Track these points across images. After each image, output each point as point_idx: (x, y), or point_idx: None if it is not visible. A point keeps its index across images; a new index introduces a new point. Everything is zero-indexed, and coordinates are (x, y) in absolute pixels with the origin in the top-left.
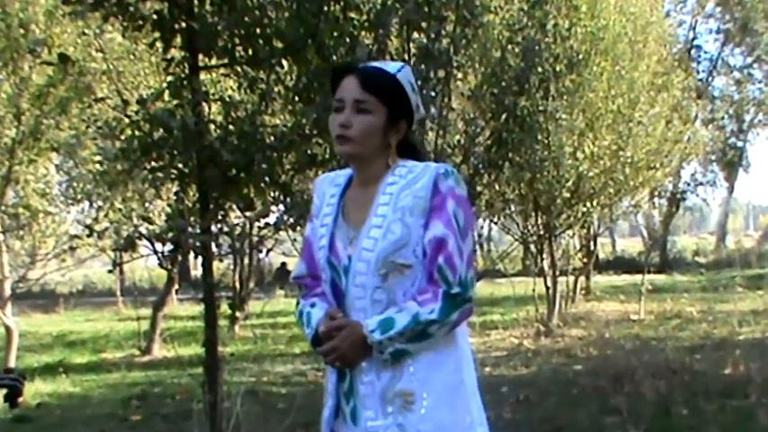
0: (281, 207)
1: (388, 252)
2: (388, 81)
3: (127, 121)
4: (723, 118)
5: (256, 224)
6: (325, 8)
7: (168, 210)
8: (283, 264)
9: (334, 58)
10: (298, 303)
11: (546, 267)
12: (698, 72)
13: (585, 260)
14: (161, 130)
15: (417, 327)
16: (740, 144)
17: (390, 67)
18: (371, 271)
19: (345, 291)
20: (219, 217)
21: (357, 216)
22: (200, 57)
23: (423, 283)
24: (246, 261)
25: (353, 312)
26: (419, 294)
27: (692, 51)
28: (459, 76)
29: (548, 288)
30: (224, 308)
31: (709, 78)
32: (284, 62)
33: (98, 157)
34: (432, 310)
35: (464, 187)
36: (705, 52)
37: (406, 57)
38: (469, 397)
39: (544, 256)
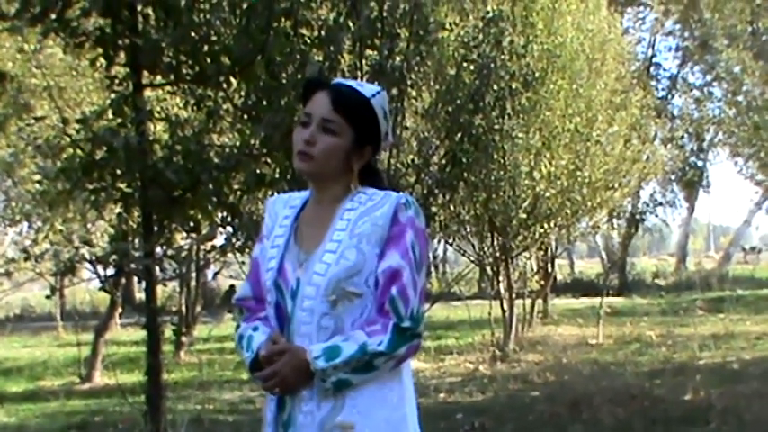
0: (229, 229)
1: (340, 278)
2: (360, 104)
3: (68, 139)
4: (683, 137)
5: (203, 246)
6: (275, 24)
7: (111, 231)
8: (232, 287)
9: (284, 75)
10: (238, 327)
11: (502, 290)
12: (657, 90)
13: (543, 282)
14: (103, 150)
15: (363, 357)
16: (700, 163)
17: (366, 89)
18: (320, 296)
19: (291, 315)
20: (164, 239)
21: (310, 237)
22: (145, 74)
23: (372, 314)
24: (193, 284)
25: (298, 337)
26: (367, 325)
27: (651, 69)
28: (413, 93)
29: (504, 311)
30: (168, 333)
31: (669, 96)
32: (232, 79)
33: (37, 177)
34: (380, 342)
35: (423, 219)
36: (664, 70)
37: (359, 74)
38: None
39: (500, 278)
